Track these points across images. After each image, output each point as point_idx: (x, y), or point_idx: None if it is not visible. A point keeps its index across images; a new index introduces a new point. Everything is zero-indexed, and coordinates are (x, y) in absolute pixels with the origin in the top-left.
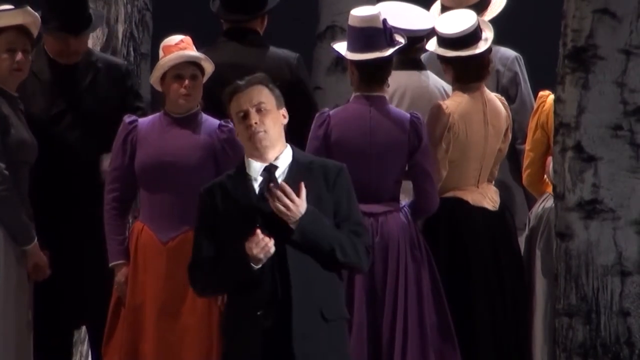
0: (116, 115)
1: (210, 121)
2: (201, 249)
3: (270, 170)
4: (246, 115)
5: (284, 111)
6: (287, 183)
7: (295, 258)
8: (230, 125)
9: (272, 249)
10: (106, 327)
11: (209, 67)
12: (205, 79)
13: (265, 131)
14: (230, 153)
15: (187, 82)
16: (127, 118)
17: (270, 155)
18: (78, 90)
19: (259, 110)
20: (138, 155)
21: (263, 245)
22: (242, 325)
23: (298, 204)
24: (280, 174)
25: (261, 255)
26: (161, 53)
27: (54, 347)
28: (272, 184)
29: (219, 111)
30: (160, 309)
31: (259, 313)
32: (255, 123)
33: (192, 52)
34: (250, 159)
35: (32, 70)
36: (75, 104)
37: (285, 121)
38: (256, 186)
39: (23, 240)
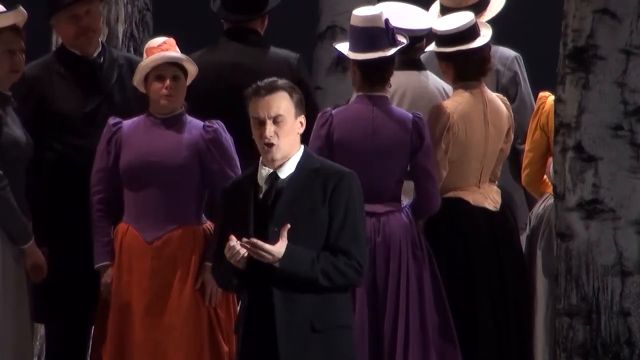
0: (143, 110)
1: (194, 122)
2: (217, 246)
3: (273, 179)
4: (262, 124)
5: (302, 118)
6: (286, 191)
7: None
8: (215, 125)
9: (244, 255)
10: (94, 330)
11: (191, 68)
12: (189, 80)
13: (277, 144)
14: (215, 153)
15: (168, 82)
16: (112, 120)
17: (279, 163)
18: (108, 86)
19: (275, 122)
20: (123, 155)
21: (234, 252)
22: (241, 328)
23: (273, 252)
24: (281, 182)
25: (234, 261)
26: (144, 55)
27: (68, 346)
28: (244, 240)
29: (220, 111)
30: (145, 309)
31: (245, 317)
32: (270, 136)
33: (174, 53)
34: (261, 163)
35: (56, 71)
36: (107, 100)
37: (302, 129)
38: (259, 192)
39: (20, 239)
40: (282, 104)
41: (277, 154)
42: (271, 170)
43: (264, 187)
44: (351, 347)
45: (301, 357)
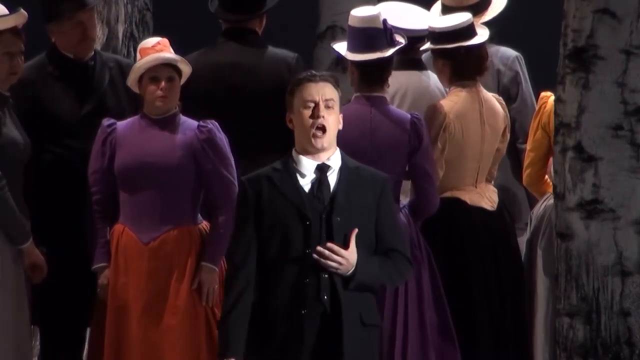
0: (136, 111)
1: (189, 122)
2: (238, 249)
3: (322, 170)
4: (316, 107)
5: (341, 117)
6: (342, 182)
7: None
8: (210, 125)
9: None
10: (91, 331)
11: (186, 69)
12: (183, 80)
13: (327, 128)
14: (210, 153)
15: (163, 84)
16: (106, 121)
17: (323, 155)
18: (101, 89)
19: (327, 107)
20: (117, 156)
21: None
22: (283, 320)
23: (348, 258)
24: (330, 173)
25: None
26: (138, 56)
27: (63, 347)
28: (318, 247)
29: (218, 111)
30: (142, 310)
31: (303, 312)
32: (323, 117)
33: (168, 54)
34: (300, 155)
35: (49, 74)
36: (102, 103)
37: (341, 127)
38: (304, 184)
39: (19, 239)
40: (333, 92)
41: (325, 137)
42: (317, 162)
43: (311, 177)
44: (378, 348)
45: (357, 350)
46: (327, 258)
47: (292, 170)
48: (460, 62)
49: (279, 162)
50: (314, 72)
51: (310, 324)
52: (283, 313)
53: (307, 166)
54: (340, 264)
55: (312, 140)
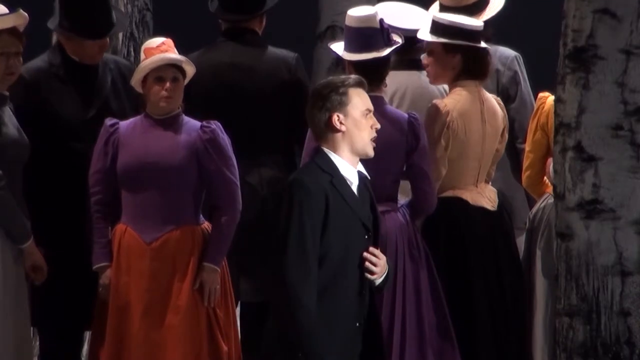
0: (137, 111)
1: (192, 122)
2: (310, 251)
3: (363, 179)
4: (372, 117)
5: None
6: (371, 196)
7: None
8: (213, 125)
9: None
10: (92, 331)
11: (190, 69)
12: (186, 81)
13: None
14: (213, 153)
15: (168, 84)
16: (109, 121)
17: (356, 163)
18: (105, 92)
19: None
20: (120, 157)
21: None
22: (339, 330)
23: (384, 259)
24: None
25: None
26: (142, 55)
27: (62, 348)
28: (365, 254)
29: (218, 111)
30: (144, 310)
31: (357, 325)
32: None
33: (173, 54)
34: (345, 160)
35: (54, 74)
36: (105, 106)
37: None
38: (355, 191)
39: (20, 239)
40: None
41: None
42: (354, 169)
43: (356, 185)
44: None
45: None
46: (374, 264)
47: (343, 176)
48: (471, 59)
49: (321, 162)
50: (360, 77)
51: (360, 334)
52: (342, 323)
53: (352, 174)
54: (381, 266)
55: (369, 147)
